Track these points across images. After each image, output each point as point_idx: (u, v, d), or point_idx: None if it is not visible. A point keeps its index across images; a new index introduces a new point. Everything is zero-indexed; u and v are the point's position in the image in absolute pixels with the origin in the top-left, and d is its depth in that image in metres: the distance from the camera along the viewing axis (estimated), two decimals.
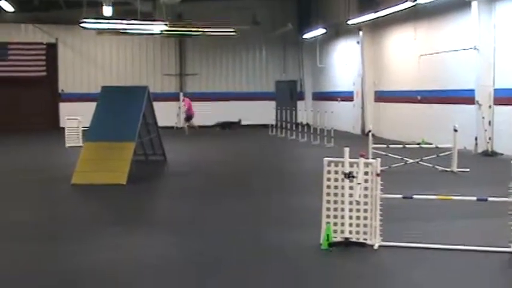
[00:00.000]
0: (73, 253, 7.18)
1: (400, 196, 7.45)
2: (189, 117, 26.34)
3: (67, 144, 19.73)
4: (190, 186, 12.35)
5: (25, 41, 27.63)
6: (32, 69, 27.49)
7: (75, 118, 20.20)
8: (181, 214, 9.55)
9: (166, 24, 24.02)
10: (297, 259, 6.84)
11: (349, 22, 22.79)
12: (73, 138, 19.93)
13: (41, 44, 27.75)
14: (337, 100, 27.40)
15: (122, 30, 25.78)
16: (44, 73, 27.74)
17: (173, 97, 29.32)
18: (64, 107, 27.63)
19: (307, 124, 28.03)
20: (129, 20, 23.44)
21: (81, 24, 23.72)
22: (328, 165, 7.24)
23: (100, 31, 26.56)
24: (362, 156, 7.16)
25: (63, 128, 21.02)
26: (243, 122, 29.04)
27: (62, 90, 28.33)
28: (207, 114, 29.29)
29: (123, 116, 13.28)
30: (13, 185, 12.66)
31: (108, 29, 25.47)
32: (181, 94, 26.29)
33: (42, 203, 10.62)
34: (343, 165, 7.17)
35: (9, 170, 14.90)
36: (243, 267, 6.59)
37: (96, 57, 28.85)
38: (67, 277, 6.26)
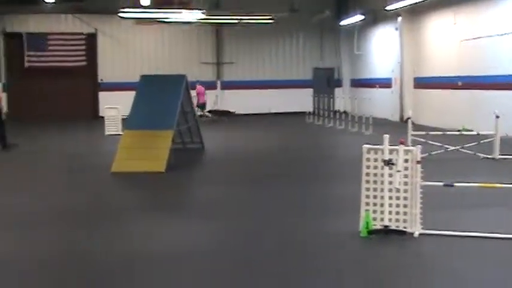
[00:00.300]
0: (112, 239, 7.31)
1: (441, 184, 7.35)
2: (201, 105, 25.66)
3: (106, 133, 19.99)
4: (228, 174, 12.40)
5: (65, 31, 28.02)
6: (72, 59, 27.90)
7: (114, 107, 20.45)
8: (220, 201, 9.60)
9: (203, 13, 24.06)
10: (336, 247, 6.82)
11: (388, 8, 22.47)
12: (112, 126, 20.19)
13: (81, 34, 28.11)
14: (375, 87, 27.12)
15: (159, 19, 25.94)
16: (84, 63, 28.12)
17: (211, 85, 29.41)
18: (103, 96, 27.99)
19: (345, 111, 27.84)
20: (167, 8, 23.55)
21: (120, 14, 23.95)
22: (368, 152, 7.18)
23: (138, 20, 26.76)
24: (402, 143, 7.08)
25: (103, 117, 21.32)
26: (281, 110, 28.97)
27: (101, 80, 28.68)
28: (243, 102, 29.37)
29: (162, 104, 13.39)
30: (54, 172, 12.89)
31: (146, 18, 25.66)
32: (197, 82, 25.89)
33: (82, 190, 10.79)
34: (382, 153, 7.09)
35: (50, 158, 15.17)
36: (282, 254, 6.59)
37: (135, 46, 29.09)
38: (105, 262, 6.37)
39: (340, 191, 10.07)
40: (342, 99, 29.20)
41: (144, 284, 5.69)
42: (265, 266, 6.18)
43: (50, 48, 27.65)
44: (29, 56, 27.51)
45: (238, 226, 7.85)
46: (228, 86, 29.85)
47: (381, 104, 25.37)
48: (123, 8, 23.32)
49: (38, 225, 7.96)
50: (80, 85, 28.29)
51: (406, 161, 7.06)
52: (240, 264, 6.30)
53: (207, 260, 6.45)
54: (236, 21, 26.86)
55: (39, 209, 8.95)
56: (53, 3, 24.56)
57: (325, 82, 30.75)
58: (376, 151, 7.17)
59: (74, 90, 28.15)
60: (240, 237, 7.32)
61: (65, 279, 5.88)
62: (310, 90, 29.69)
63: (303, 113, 26.03)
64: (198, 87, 25.52)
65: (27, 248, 6.97)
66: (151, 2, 23.18)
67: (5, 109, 18.10)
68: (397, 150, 7.04)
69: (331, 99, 28.12)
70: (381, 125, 20.58)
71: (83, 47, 28.08)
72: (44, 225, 8.02)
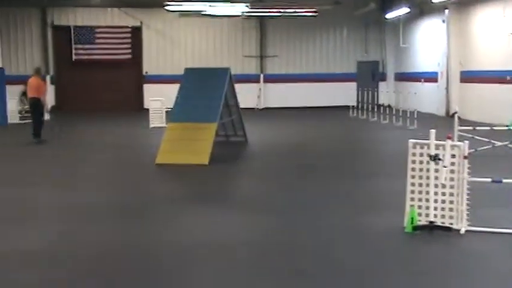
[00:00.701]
0: (160, 230, 7.41)
1: (489, 180, 7.21)
2: None
3: (151, 125, 20.23)
4: (272, 167, 12.41)
5: (111, 24, 28.43)
6: (118, 52, 28.31)
7: (158, 99, 20.68)
8: (263, 194, 9.63)
9: (247, 6, 24.08)
10: (380, 242, 6.77)
11: (434, 0, 22.06)
12: (157, 119, 20.43)
13: (127, 27, 28.48)
14: (420, 81, 26.71)
15: (204, 12, 26.07)
16: (129, 56, 28.50)
17: (253, 79, 29.45)
18: (148, 89, 28.31)
19: (389, 105, 27.51)
20: (211, 1, 23.65)
21: (165, 7, 24.16)
22: (414, 147, 7.09)
23: (183, 13, 26.96)
24: (449, 138, 6.97)
25: (147, 109, 21.57)
26: (324, 104, 28.83)
27: (146, 72, 29.02)
28: (286, 96, 29.34)
29: (206, 97, 13.47)
30: (100, 164, 13.12)
31: (191, 11, 25.81)
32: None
33: (128, 182, 10.96)
34: (428, 148, 7.00)
35: (97, 149, 15.45)
36: (325, 249, 6.57)
37: (179, 39, 29.31)
38: (155, 252, 6.46)
39: (385, 186, 9.97)
40: (386, 93, 28.85)
41: (193, 273, 5.75)
42: (308, 261, 6.17)
43: (97, 41, 28.10)
44: (76, 49, 28.02)
45: (282, 219, 7.85)
46: (271, 79, 29.83)
47: (426, 98, 24.97)
48: (168, 1, 23.51)
49: (87, 218, 8.12)
50: (125, 78, 28.68)
51: (453, 156, 6.95)
52: (283, 256, 6.30)
53: (250, 251, 6.48)
54: (280, 14, 26.78)
55: (87, 201, 9.12)
56: None
57: (369, 76, 30.43)
58: (422, 146, 7.08)
59: (119, 82, 28.57)
60: (283, 231, 7.33)
61: (121, 269, 6.01)
62: (353, 84, 29.44)
63: (346, 107, 25.83)
64: None
65: (78, 239, 7.13)
66: None
67: (48, 106, 18.13)
68: (443, 146, 6.94)
69: (375, 93, 27.80)
70: (426, 119, 20.28)
71: (129, 40, 28.44)
72: (93, 217, 8.17)
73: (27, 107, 20.55)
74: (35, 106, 16.28)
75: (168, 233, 7.26)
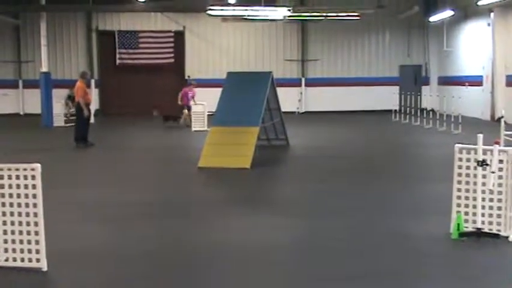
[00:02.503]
0: (202, 232, 7.47)
1: None
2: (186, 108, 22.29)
3: (193, 129, 20.40)
4: (314, 171, 12.37)
5: (155, 29, 28.79)
6: (161, 56, 28.65)
7: (201, 103, 20.83)
8: (305, 198, 9.60)
9: (289, 10, 24.09)
10: (426, 248, 6.67)
11: (479, 3, 21.69)
12: (199, 122, 20.60)
13: (170, 32, 28.81)
14: (464, 85, 26.27)
15: (245, 17, 26.18)
16: (172, 60, 28.80)
17: (295, 82, 29.42)
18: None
19: (432, 110, 27.11)
20: (253, 6, 23.73)
21: (207, 12, 24.35)
22: (460, 152, 6.98)
23: (225, 18, 27.13)
24: (497, 143, 6.83)
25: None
26: (367, 108, 28.61)
27: (189, 76, 29.26)
28: (328, 100, 29.22)
29: (248, 101, 13.50)
30: (144, 165, 13.30)
31: (233, 15, 25.95)
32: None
33: (171, 184, 11.08)
34: (475, 153, 6.88)
35: (140, 151, 15.66)
36: (371, 253, 6.52)
37: (221, 43, 29.51)
38: (196, 254, 6.51)
39: (430, 191, 9.84)
40: (430, 97, 28.47)
41: (237, 273, 5.79)
42: (351, 266, 6.12)
43: (141, 45, 28.52)
44: (120, 53, 28.48)
45: (324, 223, 7.82)
46: (312, 83, 29.77)
47: (470, 102, 24.53)
48: (211, 5, 23.69)
49: (133, 218, 8.23)
50: (168, 82, 28.98)
51: (500, 161, 6.81)
52: (324, 261, 6.27)
53: (290, 254, 6.47)
54: (321, 17, 26.70)
55: (133, 202, 9.25)
56: (143, 1, 25.29)
57: (412, 79, 30.10)
58: (468, 151, 6.96)
59: (162, 86, 28.86)
60: (324, 235, 7.29)
61: (170, 269, 6.10)
62: (396, 88, 29.14)
63: (388, 111, 25.58)
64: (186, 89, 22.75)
65: (127, 239, 7.26)
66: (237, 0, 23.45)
67: (91, 111, 17.20)
68: (491, 151, 6.81)
69: (418, 97, 27.46)
70: (470, 124, 19.94)
71: (172, 45, 28.77)
72: (138, 217, 8.28)
73: (72, 110, 20.97)
74: (77, 110, 16.42)
75: (212, 234, 7.31)
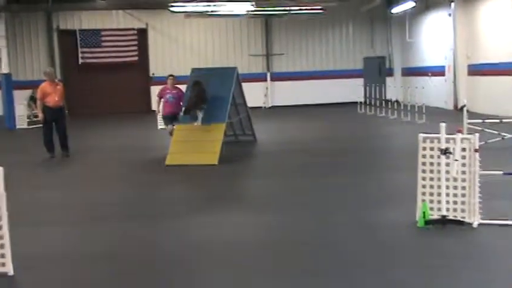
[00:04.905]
0: (168, 230, 7.42)
1: (501, 172, 7.18)
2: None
3: (159, 127, 20.25)
4: (281, 166, 12.39)
5: (117, 27, 28.46)
6: (125, 54, 28.34)
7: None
8: (273, 194, 9.62)
9: (252, 5, 24.07)
10: (393, 237, 6.75)
11: None
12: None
13: (132, 29, 28.52)
14: (427, 75, 26.61)
15: (208, 12, 26.07)
16: (136, 58, 28.54)
17: (261, 77, 29.43)
18: (155, 90, 28.27)
19: (397, 101, 27.45)
20: (216, 1, 23.65)
21: (170, 8, 24.18)
22: (424, 141, 7.06)
23: (188, 14, 26.97)
24: (459, 131, 6.94)
25: (155, 111, 21.55)
26: (332, 101, 28.78)
27: (153, 74, 29.05)
28: (294, 94, 29.30)
29: (214, 97, 13.46)
30: (110, 165, 13.16)
31: (196, 11, 25.83)
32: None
33: (138, 183, 10.98)
34: (439, 142, 6.97)
35: (106, 151, 15.48)
36: (338, 245, 6.56)
37: (185, 40, 29.33)
38: (168, 253, 6.47)
39: (396, 181, 9.95)
40: (394, 88, 28.77)
41: (201, 272, 5.77)
42: (316, 260, 6.16)
43: (103, 44, 28.16)
44: (83, 52, 28.09)
45: (293, 218, 7.84)
46: (277, 77, 29.82)
47: (433, 92, 24.87)
48: (173, 2, 23.52)
49: (97, 219, 8.15)
50: (132, 80, 28.73)
51: (463, 149, 6.92)
52: (293, 254, 6.29)
53: (262, 250, 6.48)
54: (285, 12, 26.75)
55: (97, 203, 9.16)
56: (105, 0, 24.97)
57: (376, 71, 30.37)
58: (432, 140, 7.05)
59: (126, 85, 28.61)
60: (292, 229, 7.31)
61: (135, 269, 6.05)
62: (361, 80, 29.37)
63: (354, 103, 25.78)
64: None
65: (92, 240, 7.16)
66: None
67: (64, 113, 14.70)
68: (454, 139, 6.91)
69: (383, 89, 27.72)
70: (434, 113, 20.21)
71: (135, 42, 28.48)
72: (104, 218, 8.20)
73: (35, 111, 20.63)
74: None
75: (179, 233, 7.27)
